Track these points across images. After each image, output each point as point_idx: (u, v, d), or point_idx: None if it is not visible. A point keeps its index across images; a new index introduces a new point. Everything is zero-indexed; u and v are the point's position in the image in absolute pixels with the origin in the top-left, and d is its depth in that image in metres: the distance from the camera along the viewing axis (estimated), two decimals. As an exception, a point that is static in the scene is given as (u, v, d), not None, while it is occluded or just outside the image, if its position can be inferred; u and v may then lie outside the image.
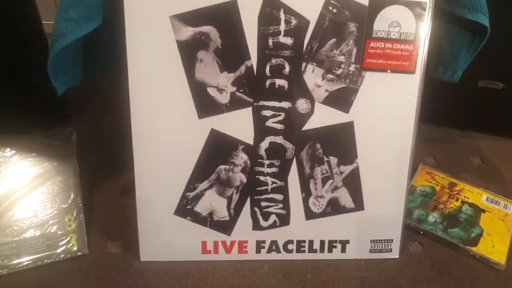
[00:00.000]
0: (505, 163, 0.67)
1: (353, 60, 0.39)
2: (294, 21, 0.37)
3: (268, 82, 0.39)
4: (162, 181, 0.39)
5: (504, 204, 0.53)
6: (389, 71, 0.39)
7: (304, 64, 0.39)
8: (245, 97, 0.39)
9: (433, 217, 0.49)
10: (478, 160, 0.66)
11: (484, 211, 0.52)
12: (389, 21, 0.38)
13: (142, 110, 0.38)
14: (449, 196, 0.53)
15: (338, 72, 0.40)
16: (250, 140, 0.41)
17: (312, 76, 0.39)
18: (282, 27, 0.37)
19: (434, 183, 0.55)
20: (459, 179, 0.56)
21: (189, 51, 0.38)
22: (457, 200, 0.52)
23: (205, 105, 0.40)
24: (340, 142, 0.42)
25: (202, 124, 0.40)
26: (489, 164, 0.66)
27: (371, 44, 0.39)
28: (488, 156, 0.67)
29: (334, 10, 0.38)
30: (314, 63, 0.39)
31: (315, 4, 0.37)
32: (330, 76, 0.40)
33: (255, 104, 0.39)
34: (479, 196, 0.54)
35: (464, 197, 0.53)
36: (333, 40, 0.38)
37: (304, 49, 0.38)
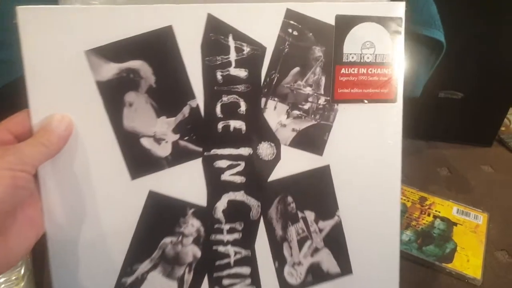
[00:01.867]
0: (472, 171, 0.96)
1: (322, 92, 0.47)
2: (247, 49, 0.45)
3: (220, 125, 0.46)
4: (87, 267, 0.43)
5: (474, 215, 0.74)
6: (366, 101, 0.48)
7: (263, 100, 0.46)
8: (192, 146, 0.46)
9: (407, 235, 0.66)
10: (446, 170, 0.94)
11: (455, 224, 0.71)
12: (361, 41, 0.46)
13: (53, 178, 0.41)
14: (421, 212, 0.72)
15: (306, 107, 0.48)
16: (202, 201, 0.46)
17: (275, 114, 0.47)
18: (233, 56, 0.45)
19: (404, 199, 0.75)
20: (428, 192, 0.78)
21: (113, 94, 0.43)
22: (428, 215, 0.72)
23: (139, 161, 0.44)
24: (316, 192, 0.51)
25: (136, 186, 0.44)
26: (456, 174, 0.93)
27: (342, 71, 0.47)
28: (455, 166, 0.95)
29: (295, 33, 0.46)
30: (276, 98, 0.46)
31: (271, 27, 0.44)
32: (296, 112, 0.47)
33: (205, 153, 0.46)
34: (449, 209, 0.74)
35: (436, 211, 0.72)
36: (297, 69, 0.46)
37: (262, 82, 0.45)
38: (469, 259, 0.63)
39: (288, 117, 0.47)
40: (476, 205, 0.77)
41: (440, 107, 0.99)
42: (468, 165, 0.97)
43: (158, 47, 0.45)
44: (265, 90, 0.46)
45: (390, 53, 0.47)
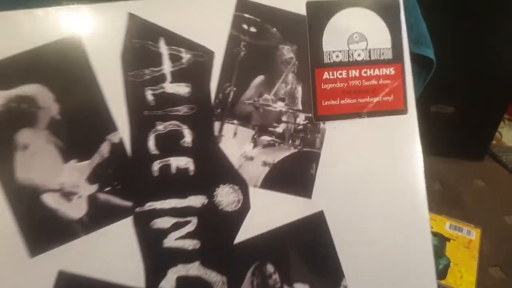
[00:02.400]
0: (464, 185, 1.03)
1: (299, 107, 0.41)
2: (186, 56, 0.40)
3: (156, 166, 0.40)
4: None
5: (467, 230, 0.80)
6: (364, 115, 0.42)
7: (217, 125, 0.40)
8: (117, 200, 0.40)
9: None
10: (438, 185, 1.03)
11: (448, 239, 0.77)
12: (346, 34, 0.41)
13: None
14: None
15: (279, 129, 0.41)
16: (139, 282, 0.39)
17: (236, 142, 0.41)
18: (167, 67, 0.40)
19: None
20: None
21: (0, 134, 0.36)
22: None
23: (42, 228, 0.38)
24: (308, 254, 0.42)
25: (39, 266, 0.38)
26: (448, 188, 1.02)
27: (325, 75, 0.41)
28: (447, 180, 1.05)
29: (252, 29, 0.40)
30: (235, 121, 0.40)
31: (218, 24, 0.40)
32: (266, 138, 0.41)
33: (137, 209, 0.40)
34: (442, 224, 0.81)
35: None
36: (260, 78, 0.41)
37: (213, 99, 0.40)
38: (462, 275, 0.68)
39: (255, 145, 0.41)
40: (469, 220, 0.83)
41: (431, 121, 1.00)
42: (460, 179, 1.07)
43: (61, 64, 0.38)
44: (218, 110, 0.41)
45: (389, 47, 0.43)
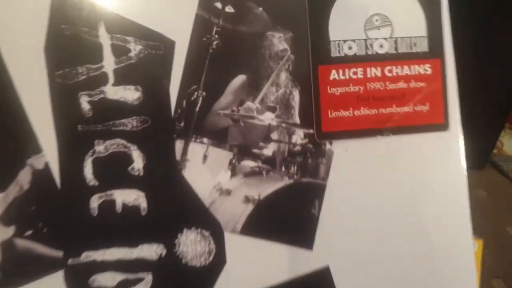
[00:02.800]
0: None
1: (296, 120, 0.33)
2: (136, 48, 0.31)
3: (95, 202, 0.32)
4: None
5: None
6: (387, 132, 0.33)
7: (180, 145, 0.32)
8: (43, 248, 0.31)
9: None
10: None
11: None
12: (363, 16, 0.32)
13: None
14: None
15: (268, 151, 0.33)
16: None
17: (205, 170, 0.32)
18: (109, 64, 0.31)
19: None
20: None
21: None
22: None
23: None
24: None
25: None
26: None
27: (333, 75, 0.32)
28: None
29: (230, 9, 0.32)
30: (205, 139, 0.32)
31: (180, 2, 0.31)
32: (249, 164, 0.33)
33: (70, 261, 0.32)
34: None
35: None
36: (241, 79, 0.32)
37: (173, 108, 0.32)
38: None
39: (233, 174, 0.33)
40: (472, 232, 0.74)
41: None
42: None
43: None
44: (181, 124, 0.32)
45: (424, 35, 0.33)
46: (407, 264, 0.34)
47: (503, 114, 1.10)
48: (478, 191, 1.02)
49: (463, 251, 0.35)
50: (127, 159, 0.32)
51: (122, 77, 0.31)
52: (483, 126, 1.06)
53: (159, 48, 0.31)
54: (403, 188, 0.33)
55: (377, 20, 0.32)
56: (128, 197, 0.32)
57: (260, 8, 0.31)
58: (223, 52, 0.31)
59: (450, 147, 0.33)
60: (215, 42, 0.31)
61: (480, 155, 1.13)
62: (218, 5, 0.31)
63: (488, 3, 0.95)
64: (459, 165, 0.34)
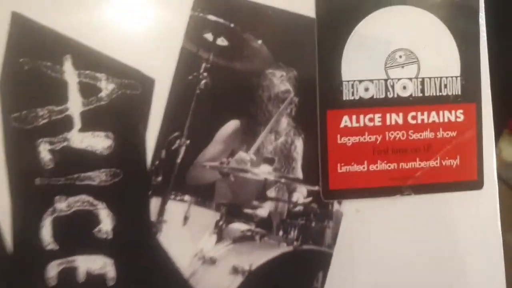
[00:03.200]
0: None
1: (298, 175, 0.28)
2: (108, 86, 0.27)
3: (53, 270, 0.27)
4: None
5: None
6: (408, 191, 0.28)
7: (156, 203, 0.27)
8: None
9: None
10: None
11: None
12: (384, 51, 0.27)
13: None
14: None
15: (262, 212, 0.28)
16: None
17: (186, 233, 0.27)
18: (76, 106, 0.27)
19: None
20: None
21: None
22: None
23: None
24: None
25: None
26: None
27: (344, 122, 0.27)
28: None
29: (222, 41, 0.27)
30: (187, 196, 0.27)
31: (163, 33, 0.27)
32: (239, 227, 0.27)
33: None
34: None
35: None
36: (233, 124, 0.27)
37: (149, 160, 0.27)
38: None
39: (220, 239, 0.28)
40: None
41: None
42: None
43: None
44: (159, 178, 0.27)
45: (457, 75, 0.28)
46: None
47: (502, 120, 1.00)
48: None
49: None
50: (94, 220, 0.28)
51: (91, 122, 0.28)
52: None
53: (135, 87, 0.28)
54: (427, 258, 0.28)
55: (400, 57, 0.27)
56: (93, 264, 0.28)
57: (260, 41, 0.28)
58: (212, 93, 0.27)
59: (483, 208, 0.29)
60: (203, 81, 0.27)
61: None
62: (209, 36, 0.27)
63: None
64: (494, 230, 0.29)
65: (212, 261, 0.28)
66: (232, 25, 0.27)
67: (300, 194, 0.28)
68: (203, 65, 0.27)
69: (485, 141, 0.29)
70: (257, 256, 0.28)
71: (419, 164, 0.28)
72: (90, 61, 0.27)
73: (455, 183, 0.28)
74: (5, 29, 0.27)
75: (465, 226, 0.29)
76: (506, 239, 0.92)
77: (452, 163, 0.28)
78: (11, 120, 0.27)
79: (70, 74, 0.27)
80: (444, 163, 0.28)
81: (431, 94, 0.28)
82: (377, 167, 0.27)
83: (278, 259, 0.28)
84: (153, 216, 0.27)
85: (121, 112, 0.27)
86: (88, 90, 0.27)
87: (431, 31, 0.28)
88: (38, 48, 0.27)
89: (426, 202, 0.28)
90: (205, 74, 0.27)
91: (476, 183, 0.28)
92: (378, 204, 0.28)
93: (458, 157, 0.28)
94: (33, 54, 0.27)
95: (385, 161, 0.28)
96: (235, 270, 0.28)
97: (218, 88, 0.27)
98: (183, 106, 0.27)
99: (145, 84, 0.27)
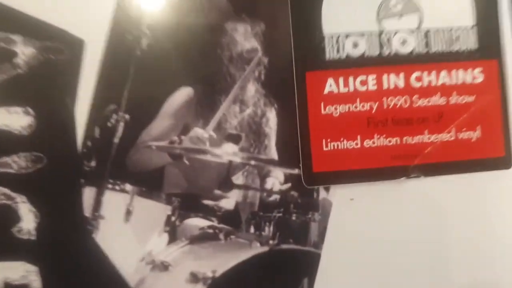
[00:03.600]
0: None
1: (272, 155, 0.23)
2: (25, 50, 0.22)
3: None
4: None
5: None
6: (415, 172, 0.22)
7: (91, 193, 0.22)
8: None
9: None
10: None
11: None
12: None
13: None
14: None
15: (227, 203, 0.22)
16: None
17: (129, 232, 0.22)
18: None
19: None
20: None
21: None
22: None
23: None
24: None
25: None
26: None
27: (328, 87, 0.21)
28: None
29: None
30: (127, 185, 0.22)
31: None
32: (198, 223, 0.22)
33: None
34: None
35: None
36: (185, 92, 0.22)
37: (80, 139, 0.22)
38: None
39: (173, 238, 0.22)
40: None
41: None
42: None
43: None
44: (92, 163, 0.21)
45: (472, 24, 0.22)
46: None
47: None
48: None
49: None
50: (12, 217, 0.22)
51: (5, 95, 0.22)
52: None
53: (60, 51, 0.22)
54: (439, 257, 0.22)
55: (397, 3, 0.22)
56: (13, 273, 0.22)
57: None
58: (157, 55, 0.22)
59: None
60: (145, 41, 0.22)
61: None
62: None
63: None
64: None
65: (165, 267, 0.22)
66: None
67: (276, 180, 0.23)
68: (145, 21, 0.22)
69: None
70: (222, 260, 0.23)
71: (429, 138, 0.22)
72: (2, 19, 0.21)
73: (476, 161, 0.22)
74: None
75: (491, 217, 0.23)
76: None
77: (471, 136, 0.22)
78: None
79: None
80: (460, 136, 0.22)
81: (439, 50, 0.22)
82: (373, 142, 0.22)
83: (249, 262, 0.23)
84: (87, 210, 0.22)
85: (44, 82, 0.22)
86: (3, 55, 0.21)
87: None
88: None
89: (439, 186, 0.22)
90: (147, 32, 0.22)
91: (504, 160, 0.22)
92: (378, 190, 0.22)
93: (478, 128, 0.22)
94: None
95: (384, 135, 0.22)
96: (194, 278, 0.22)
97: (164, 49, 0.22)
98: (120, 72, 0.22)
99: (73, 47, 0.22)
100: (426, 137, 0.22)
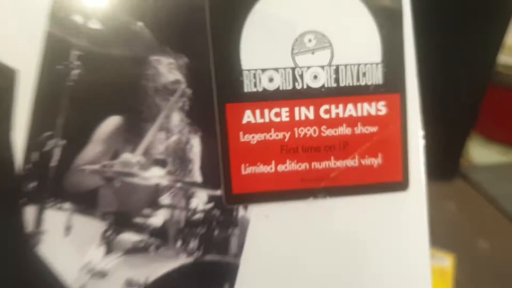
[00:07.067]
0: (434, 209, 0.91)
1: (197, 178, 0.22)
2: None
3: None
4: None
5: (440, 257, 0.67)
6: (322, 194, 0.22)
7: (32, 213, 0.21)
8: None
9: None
10: None
11: None
12: (290, 35, 0.21)
13: None
14: None
15: (156, 221, 0.21)
16: None
17: (70, 245, 0.21)
18: None
19: None
20: None
21: None
22: None
23: None
24: None
25: None
26: None
27: (246, 118, 0.21)
28: None
29: (95, 24, 0.21)
30: (68, 204, 0.21)
31: (26, 15, 0.20)
32: (130, 238, 0.21)
33: None
34: None
35: None
36: (114, 120, 0.21)
37: (20, 163, 0.21)
38: (437, 309, 0.55)
39: (109, 250, 0.21)
40: (442, 247, 0.70)
41: None
42: (430, 202, 0.81)
43: None
44: (32, 184, 0.20)
45: (378, 61, 0.21)
46: None
47: (468, 122, 0.95)
48: (448, 203, 0.90)
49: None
50: None
51: None
52: (449, 136, 0.92)
53: None
54: (345, 267, 0.21)
55: (310, 41, 0.20)
56: None
57: (140, 23, 0.20)
58: (87, 85, 0.20)
59: (409, 211, 0.21)
60: (75, 71, 0.20)
61: (448, 165, 0.98)
62: (78, 19, 0.19)
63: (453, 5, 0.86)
64: (422, 235, 0.23)
65: (103, 274, 0.21)
66: (104, 4, 0.19)
67: (200, 200, 0.21)
68: (74, 52, 0.20)
69: (411, 136, 0.21)
70: (153, 269, 0.21)
71: (335, 164, 0.21)
72: None
73: (377, 185, 0.21)
74: None
75: (389, 232, 0.22)
76: (478, 246, 0.75)
77: (373, 162, 0.21)
78: None
79: None
80: (363, 163, 0.21)
81: (347, 84, 0.21)
82: (286, 167, 0.20)
83: (177, 271, 0.21)
84: (30, 226, 0.20)
85: None
86: None
87: (346, 10, 0.20)
88: None
89: (343, 206, 0.21)
90: (77, 62, 0.20)
91: (401, 185, 0.21)
92: (289, 208, 0.21)
93: (380, 155, 0.21)
94: None
95: (295, 161, 0.20)
96: (130, 283, 0.21)
97: (93, 79, 0.20)
98: (53, 100, 0.20)
99: (6, 76, 0.19)
100: (332, 163, 0.20)
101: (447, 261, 0.69)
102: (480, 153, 1.13)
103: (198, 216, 0.21)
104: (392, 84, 0.21)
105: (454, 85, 0.88)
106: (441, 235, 0.84)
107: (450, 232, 0.81)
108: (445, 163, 1.01)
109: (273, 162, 0.21)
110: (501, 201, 0.93)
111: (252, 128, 0.20)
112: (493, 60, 0.85)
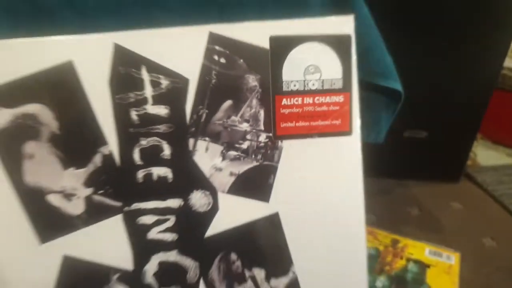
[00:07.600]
0: (441, 209, 0.92)
1: (262, 127, 0.43)
2: (165, 82, 0.41)
3: (140, 174, 0.42)
4: None
5: (447, 255, 0.72)
6: (315, 135, 0.45)
7: (192, 141, 0.43)
8: (109, 201, 0.42)
9: (380, 281, 0.64)
10: (416, 210, 0.91)
11: (428, 266, 0.69)
12: (303, 66, 0.43)
13: None
14: (394, 255, 0.70)
15: (244, 146, 0.44)
16: (128, 265, 0.43)
17: (207, 156, 0.43)
18: (149, 91, 0.41)
19: (377, 243, 0.73)
20: (400, 234, 0.76)
21: (9, 145, 0.39)
22: (401, 258, 0.70)
23: (48, 221, 0.41)
24: (265, 246, 0.46)
25: (48, 251, 0.41)
26: (426, 212, 0.91)
27: (284, 102, 0.44)
28: (425, 204, 0.93)
29: (222, 60, 0.42)
30: (207, 138, 0.43)
31: (192, 55, 0.41)
32: (233, 153, 0.44)
33: (125, 209, 0.42)
34: (422, 250, 0.72)
35: (408, 253, 0.71)
36: (229, 102, 0.43)
37: (188, 120, 0.42)
38: (443, 303, 0.64)
39: (223, 159, 0.43)
40: (448, 244, 0.75)
41: (405, 146, 1.01)
42: (437, 203, 0.95)
43: (58, 87, 0.40)
44: (193, 129, 0.43)
45: (340, 78, 0.44)
46: (320, 220, 0.44)
47: (474, 125, 1.00)
48: (454, 204, 0.94)
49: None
50: (160, 149, 0.42)
51: (157, 100, 0.41)
52: (455, 138, 1.00)
53: (178, 83, 0.41)
54: (322, 170, 0.43)
55: (311, 69, 0.42)
56: (160, 171, 0.42)
57: (241, 60, 0.42)
58: (218, 86, 0.42)
59: (352, 146, 0.44)
60: (213, 80, 0.41)
61: (454, 167, 1.05)
62: (216, 57, 0.41)
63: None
64: (357, 158, 0.43)
65: (220, 169, 0.42)
66: (227, 51, 0.40)
67: (262, 137, 0.42)
68: (213, 72, 0.40)
69: (353, 111, 0.43)
70: (242, 167, 0.43)
71: (321, 123, 0.43)
72: (155, 68, 0.40)
73: (338, 132, 0.43)
74: (111, 51, 0.39)
75: (343, 157, 0.43)
76: (484, 244, 0.80)
77: (337, 123, 0.43)
78: (116, 99, 0.40)
79: (145, 75, 0.40)
80: (333, 122, 0.43)
81: (327, 88, 0.43)
82: (301, 124, 0.43)
83: (251, 168, 0.43)
84: (190, 147, 0.41)
85: (172, 95, 0.40)
86: (154, 84, 0.40)
87: (326, 54, 0.41)
88: (128, 61, 0.40)
89: (324, 142, 0.42)
90: (214, 76, 0.40)
91: (348, 132, 0.43)
92: (300, 142, 0.43)
93: (340, 119, 0.43)
94: (125, 65, 0.40)
95: (303, 121, 0.43)
96: (231, 174, 0.43)
97: (221, 84, 0.41)
98: (204, 93, 0.41)
99: (184, 81, 0.40)
100: (320, 123, 0.43)
101: (453, 259, 0.71)
102: (486, 155, 1.16)
103: (262, 144, 0.44)
104: (346, 87, 0.44)
105: (460, 88, 0.95)
106: (448, 234, 0.82)
107: (457, 231, 0.85)
108: (451, 165, 1.07)
109: (294, 122, 0.44)
110: (507, 201, 0.93)
111: (286, 106, 0.44)
112: (500, 63, 0.91)
